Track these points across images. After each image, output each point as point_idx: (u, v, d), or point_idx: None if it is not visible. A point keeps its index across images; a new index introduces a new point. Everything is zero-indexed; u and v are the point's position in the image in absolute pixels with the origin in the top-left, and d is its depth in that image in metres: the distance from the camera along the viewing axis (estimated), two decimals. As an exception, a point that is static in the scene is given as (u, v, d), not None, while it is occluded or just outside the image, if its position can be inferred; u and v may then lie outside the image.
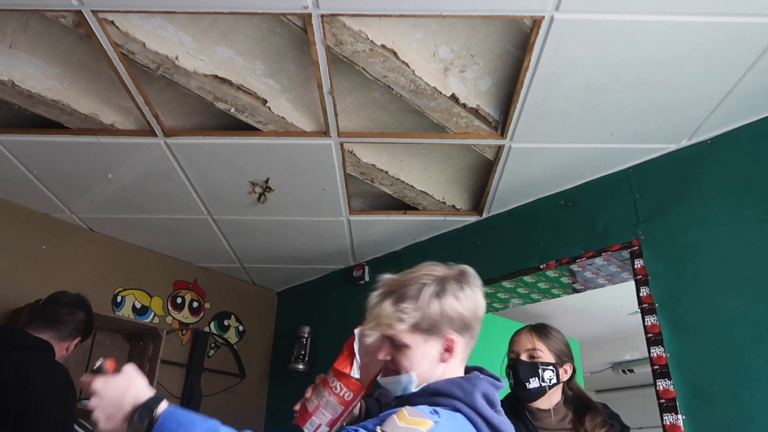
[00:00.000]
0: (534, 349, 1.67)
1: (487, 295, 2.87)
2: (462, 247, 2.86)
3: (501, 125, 2.11)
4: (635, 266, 2.14)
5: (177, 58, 1.80)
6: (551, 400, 1.65)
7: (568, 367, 1.69)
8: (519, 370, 1.65)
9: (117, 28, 1.68)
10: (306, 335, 3.39)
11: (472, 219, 2.84)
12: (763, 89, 1.86)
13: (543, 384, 1.62)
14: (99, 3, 1.59)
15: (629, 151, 2.24)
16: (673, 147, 2.19)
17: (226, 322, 3.66)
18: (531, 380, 1.62)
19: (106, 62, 1.83)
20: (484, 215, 2.79)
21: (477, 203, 2.73)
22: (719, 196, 2.01)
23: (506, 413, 1.10)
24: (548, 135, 2.15)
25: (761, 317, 1.79)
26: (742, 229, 1.91)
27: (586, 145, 2.21)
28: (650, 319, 2.02)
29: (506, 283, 2.67)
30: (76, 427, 2.77)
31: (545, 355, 1.66)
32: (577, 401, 1.68)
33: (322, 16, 1.62)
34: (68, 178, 2.55)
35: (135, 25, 1.71)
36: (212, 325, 3.58)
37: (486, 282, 2.71)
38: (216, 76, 1.88)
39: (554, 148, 2.24)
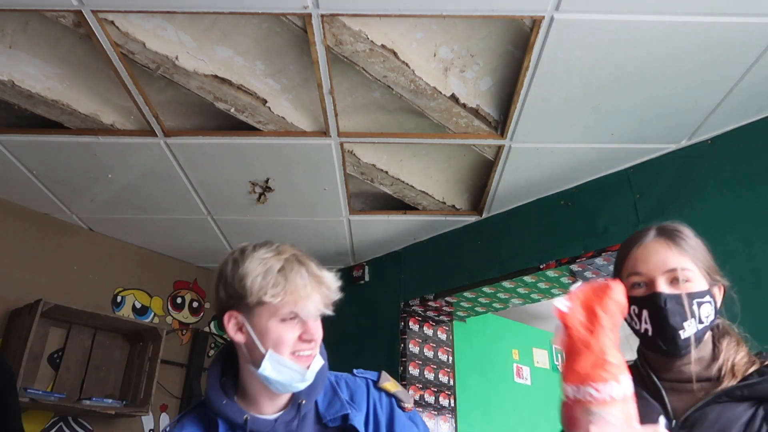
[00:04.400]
0: (678, 269, 0.99)
1: (486, 295, 2.90)
2: (462, 247, 2.86)
3: (501, 125, 2.11)
4: (635, 266, 2.14)
5: (177, 58, 1.79)
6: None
7: (720, 288, 1.07)
8: (667, 311, 0.97)
9: (117, 28, 1.68)
10: (306, 335, 3.38)
11: (472, 219, 2.84)
12: (763, 89, 1.86)
13: (701, 326, 0.98)
14: (99, 3, 1.59)
15: (629, 151, 2.24)
16: (673, 147, 2.19)
17: (226, 322, 3.65)
18: (685, 325, 0.97)
19: (106, 62, 1.83)
20: (484, 215, 2.79)
21: (477, 203, 2.73)
22: (719, 196, 2.01)
23: None
24: (548, 135, 2.15)
25: (761, 317, 1.79)
26: (742, 229, 1.91)
27: (586, 145, 2.21)
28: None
29: (506, 283, 2.67)
30: (75, 427, 2.77)
31: (696, 276, 1.01)
32: (719, 334, 1.07)
33: (322, 16, 1.62)
34: (68, 178, 2.55)
35: (135, 25, 1.71)
36: (212, 325, 3.58)
37: (486, 282, 2.72)
38: (216, 76, 1.88)
39: (554, 148, 2.24)
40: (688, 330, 0.97)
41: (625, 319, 1.01)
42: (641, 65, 1.76)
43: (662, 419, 0.93)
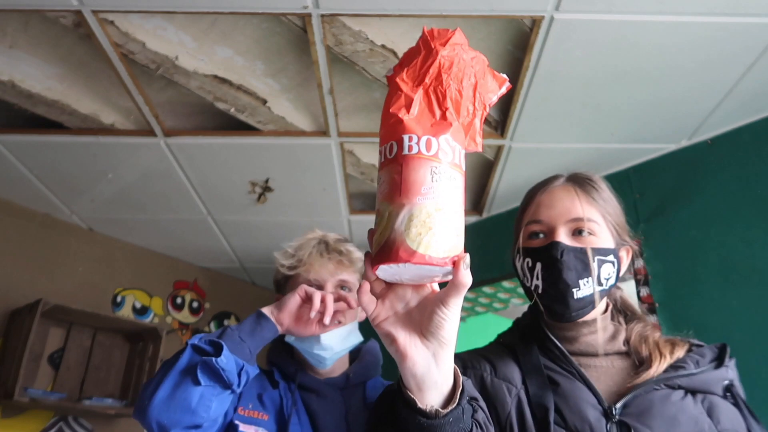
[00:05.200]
0: (584, 219, 0.87)
1: (486, 295, 2.89)
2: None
3: (501, 125, 2.11)
4: (635, 266, 2.14)
5: (177, 58, 1.79)
6: (597, 308, 0.89)
7: (627, 252, 0.96)
8: (562, 264, 0.84)
9: (117, 28, 1.68)
10: (306, 335, 3.38)
11: (473, 219, 2.84)
12: (763, 89, 1.86)
13: (599, 288, 0.86)
14: (99, 3, 1.59)
15: (629, 151, 2.24)
16: (673, 147, 2.19)
17: (226, 322, 3.65)
18: (581, 283, 0.84)
19: (106, 62, 1.83)
20: (484, 215, 2.79)
21: (477, 203, 2.73)
22: (719, 195, 2.01)
23: (508, 343, 0.93)
24: (548, 135, 2.15)
25: (761, 317, 1.79)
26: (742, 229, 1.91)
27: (586, 145, 2.21)
28: (650, 319, 2.02)
29: (506, 283, 2.67)
30: (75, 426, 2.77)
31: (602, 230, 0.89)
32: (625, 311, 0.98)
33: (322, 16, 1.62)
34: (68, 178, 2.55)
35: (135, 25, 1.71)
36: (212, 325, 3.58)
37: (486, 282, 2.72)
38: (216, 76, 1.88)
39: (554, 148, 2.24)
40: (584, 289, 0.84)
41: (517, 276, 0.93)
42: (641, 65, 1.76)
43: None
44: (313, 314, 1.01)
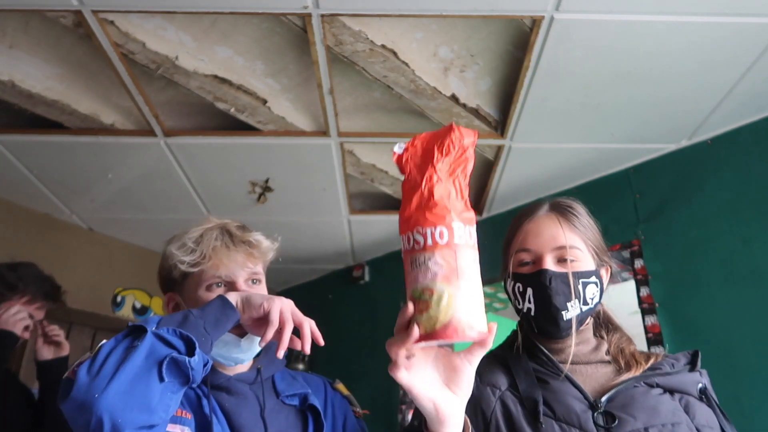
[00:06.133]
0: (568, 248, 0.95)
1: (487, 295, 2.89)
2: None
3: (501, 125, 2.11)
4: (635, 266, 2.14)
5: (177, 58, 1.79)
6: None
7: (607, 270, 1.03)
8: (551, 290, 0.93)
9: (117, 28, 1.68)
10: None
11: (472, 219, 2.83)
12: (763, 89, 1.86)
13: (585, 308, 0.94)
14: (99, 3, 1.59)
15: (629, 151, 2.24)
16: (673, 147, 2.19)
17: (226, 322, 3.66)
18: (569, 305, 0.93)
19: (106, 62, 1.83)
20: (484, 215, 2.79)
21: (477, 203, 2.73)
22: (719, 195, 2.01)
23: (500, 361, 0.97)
24: (548, 135, 2.15)
25: (761, 317, 1.79)
26: (742, 229, 1.91)
27: (586, 145, 2.21)
28: (650, 319, 2.02)
29: (506, 283, 2.67)
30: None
31: (584, 255, 0.96)
32: (606, 324, 1.05)
33: (322, 16, 1.62)
34: (68, 178, 2.55)
35: (135, 25, 1.71)
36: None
37: (486, 282, 2.71)
38: (216, 76, 1.88)
39: (554, 148, 2.24)
40: (572, 311, 0.93)
41: (509, 298, 1.01)
42: (641, 65, 1.76)
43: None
44: (270, 334, 0.91)
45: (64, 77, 1.98)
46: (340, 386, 1.16)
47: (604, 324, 1.04)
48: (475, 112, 2.04)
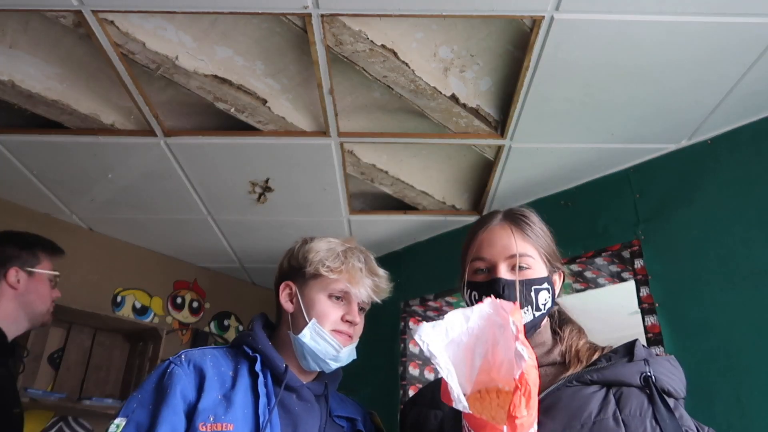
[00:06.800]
0: (518, 255, 0.99)
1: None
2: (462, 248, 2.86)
3: (501, 125, 2.11)
4: (635, 266, 2.14)
5: (177, 58, 1.79)
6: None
7: (559, 274, 1.07)
8: (504, 298, 0.95)
9: (117, 28, 1.68)
10: (306, 335, 3.38)
11: (472, 219, 2.83)
12: (763, 89, 1.86)
13: (538, 314, 0.98)
14: (99, 3, 1.59)
15: (629, 151, 2.24)
16: (673, 147, 2.19)
17: (226, 322, 3.66)
18: (522, 312, 0.97)
19: (106, 62, 1.83)
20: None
21: (477, 203, 2.73)
22: (719, 195, 2.01)
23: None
24: (548, 135, 2.15)
25: (761, 317, 1.79)
26: (742, 229, 1.91)
27: (586, 145, 2.21)
28: (650, 319, 2.02)
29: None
30: (75, 426, 2.77)
31: (536, 263, 1.00)
32: (567, 322, 1.08)
33: (322, 16, 1.62)
34: (68, 178, 2.55)
35: (135, 25, 1.71)
36: (212, 325, 3.58)
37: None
38: (216, 76, 1.88)
39: (554, 148, 2.24)
40: (525, 317, 0.96)
41: (467, 305, 1.02)
42: (641, 65, 1.76)
43: None
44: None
45: (64, 77, 1.98)
46: (377, 419, 1.21)
47: (563, 322, 1.07)
48: (475, 112, 2.04)
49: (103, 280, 3.11)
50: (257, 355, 1.04)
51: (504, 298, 0.94)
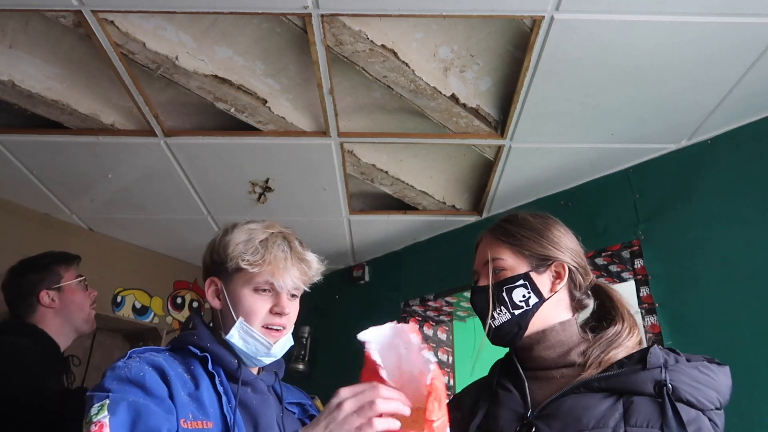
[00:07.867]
0: (493, 260, 1.03)
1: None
2: (462, 247, 2.86)
3: (501, 125, 2.11)
4: (635, 266, 2.14)
5: (177, 58, 1.79)
6: (547, 322, 1.01)
7: (557, 267, 1.04)
8: (475, 303, 1.05)
9: (117, 28, 1.68)
10: (306, 335, 3.38)
11: (472, 219, 2.83)
12: (763, 89, 1.86)
13: (516, 312, 0.99)
14: (99, 3, 1.59)
15: (629, 151, 2.24)
16: (673, 147, 2.19)
17: (226, 322, 3.66)
18: (496, 313, 1.00)
19: (106, 62, 1.83)
20: (484, 215, 2.79)
21: (477, 203, 2.73)
22: (719, 196, 2.01)
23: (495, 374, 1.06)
24: (548, 135, 2.15)
25: (762, 317, 1.79)
26: (742, 229, 1.91)
27: (586, 145, 2.21)
28: (650, 319, 2.02)
29: (506, 283, 2.67)
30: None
31: (509, 262, 1.03)
32: (599, 316, 1.06)
33: (322, 16, 1.62)
34: (68, 178, 2.55)
35: (135, 25, 1.71)
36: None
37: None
38: (216, 76, 1.88)
39: (554, 148, 2.24)
40: (499, 318, 1.00)
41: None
42: (641, 65, 1.76)
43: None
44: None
45: (64, 77, 1.98)
46: (318, 403, 1.22)
47: (607, 320, 1.03)
48: (475, 112, 2.04)
49: (103, 280, 3.10)
50: (206, 354, 1.02)
51: (475, 305, 1.04)
